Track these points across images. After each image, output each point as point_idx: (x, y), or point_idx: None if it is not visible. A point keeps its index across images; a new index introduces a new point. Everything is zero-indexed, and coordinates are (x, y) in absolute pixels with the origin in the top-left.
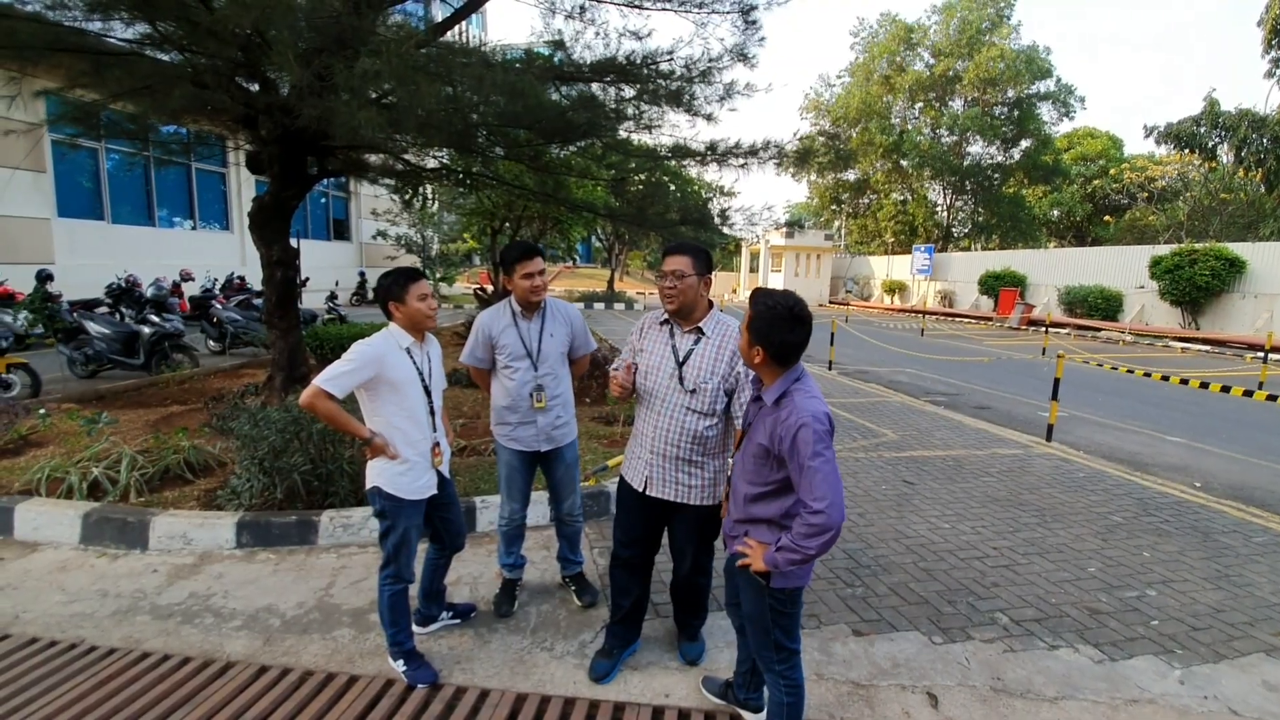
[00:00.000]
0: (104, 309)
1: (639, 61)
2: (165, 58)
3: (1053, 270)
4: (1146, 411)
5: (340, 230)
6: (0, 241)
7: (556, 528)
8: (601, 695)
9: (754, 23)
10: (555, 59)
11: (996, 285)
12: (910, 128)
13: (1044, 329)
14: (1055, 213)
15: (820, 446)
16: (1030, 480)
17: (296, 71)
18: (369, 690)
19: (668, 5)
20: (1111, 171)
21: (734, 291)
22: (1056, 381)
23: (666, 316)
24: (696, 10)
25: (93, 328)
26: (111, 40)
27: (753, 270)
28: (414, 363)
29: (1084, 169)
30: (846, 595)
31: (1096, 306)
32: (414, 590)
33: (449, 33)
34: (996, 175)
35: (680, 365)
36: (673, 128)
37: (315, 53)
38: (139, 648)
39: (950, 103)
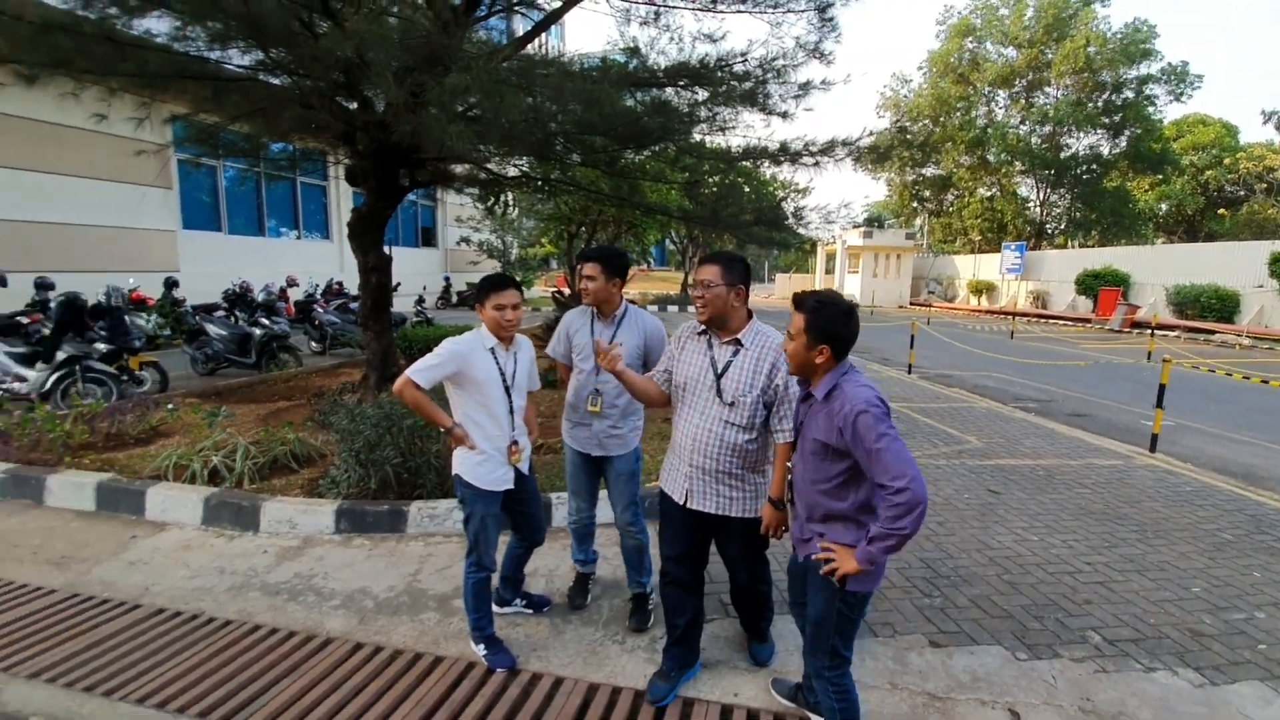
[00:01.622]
0: (220, 312)
1: (712, 65)
2: (276, 82)
3: (1160, 268)
4: (1264, 421)
5: (427, 237)
6: (133, 251)
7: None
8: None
9: (830, 20)
10: (630, 66)
11: (1095, 285)
12: (997, 120)
13: (1149, 331)
14: (1163, 206)
15: (883, 427)
16: (1130, 493)
17: (393, 90)
18: (451, 671)
19: (742, 7)
20: (1226, 161)
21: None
22: (1162, 388)
23: (703, 327)
24: (771, 10)
25: (212, 329)
26: (229, 68)
27: (828, 271)
28: (497, 363)
29: (1196, 159)
30: (924, 605)
31: (1210, 307)
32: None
33: (529, 45)
34: (1096, 167)
35: (719, 377)
36: (747, 128)
37: (408, 71)
38: (251, 620)
39: (1041, 92)
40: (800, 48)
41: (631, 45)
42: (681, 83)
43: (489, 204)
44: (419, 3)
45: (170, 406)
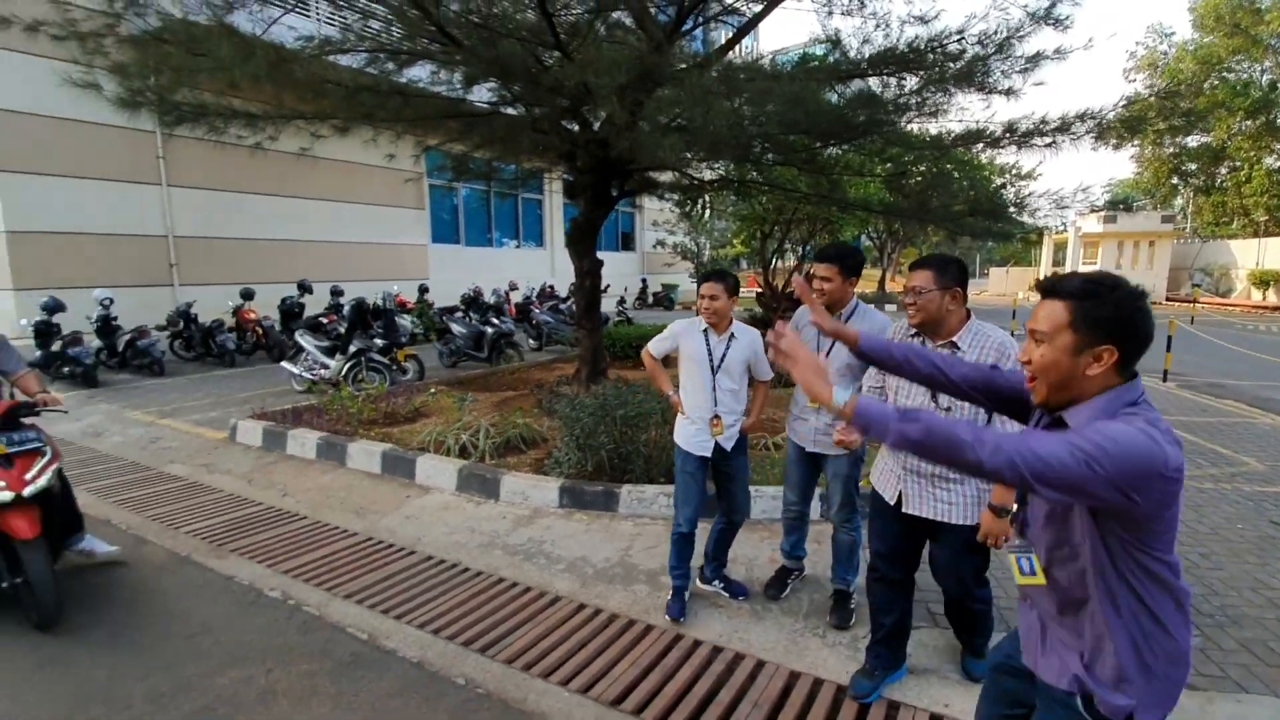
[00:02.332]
0: (459, 314)
1: (923, 47)
2: (512, 112)
3: None
4: None
5: (626, 241)
6: (396, 263)
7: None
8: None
9: None
10: (830, 59)
11: None
12: None
13: None
14: None
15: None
16: None
17: (617, 110)
18: (661, 640)
19: None
20: None
21: (1031, 290)
22: None
23: (914, 330)
24: None
25: (455, 328)
26: (478, 105)
27: (1056, 264)
28: (707, 345)
29: None
30: None
31: None
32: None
33: (730, 51)
34: None
35: None
36: (960, 111)
37: (624, 90)
38: (496, 574)
39: None
40: (1029, 16)
41: (832, 37)
42: (887, 71)
43: (687, 208)
44: (630, 26)
45: (432, 392)
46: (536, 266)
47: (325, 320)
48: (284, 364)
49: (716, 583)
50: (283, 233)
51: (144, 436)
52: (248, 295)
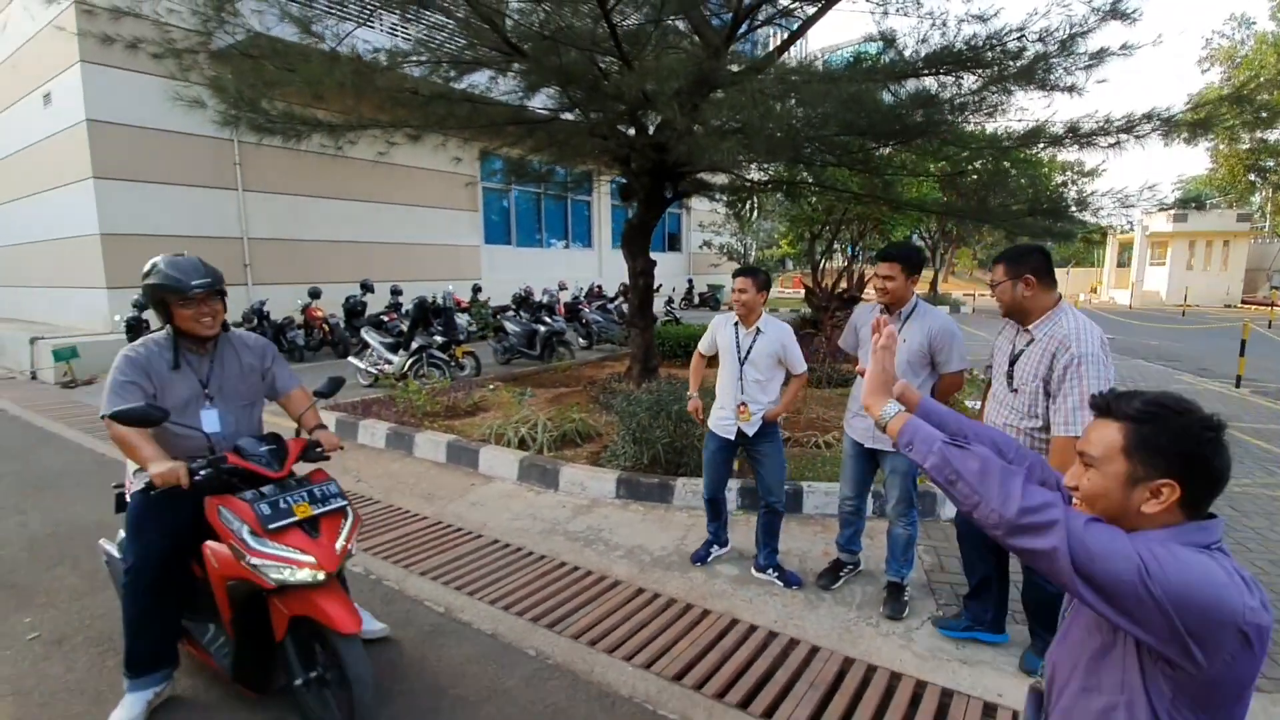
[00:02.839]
0: (511, 312)
1: (981, 45)
2: (570, 118)
3: None
4: None
5: (673, 242)
6: (452, 263)
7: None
8: (929, 677)
9: None
10: (885, 59)
11: None
12: None
13: None
14: None
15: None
16: None
17: (677, 116)
18: (719, 623)
19: None
20: None
21: (1093, 291)
22: None
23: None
24: None
25: (509, 326)
26: (538, 111)
27: (1121, 265)
28: (735, 337)
29: None
30: None
31: None
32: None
33: (785, 53)
34: None
35: (1011, 364)
36: (1019, 110)
37: (679, 94)
38: (558, 558)
39: None
40: (1094, 11)
41: (888, 36)
42: (945, 69)
43: (738, 209)
44: (686, 31)
45: (491, 387)
46: (584, 267)
47: (386, 318)
48: (350, 359)
49: (770, 571)
50: (346, 234)
51: None
52: (315, 294)
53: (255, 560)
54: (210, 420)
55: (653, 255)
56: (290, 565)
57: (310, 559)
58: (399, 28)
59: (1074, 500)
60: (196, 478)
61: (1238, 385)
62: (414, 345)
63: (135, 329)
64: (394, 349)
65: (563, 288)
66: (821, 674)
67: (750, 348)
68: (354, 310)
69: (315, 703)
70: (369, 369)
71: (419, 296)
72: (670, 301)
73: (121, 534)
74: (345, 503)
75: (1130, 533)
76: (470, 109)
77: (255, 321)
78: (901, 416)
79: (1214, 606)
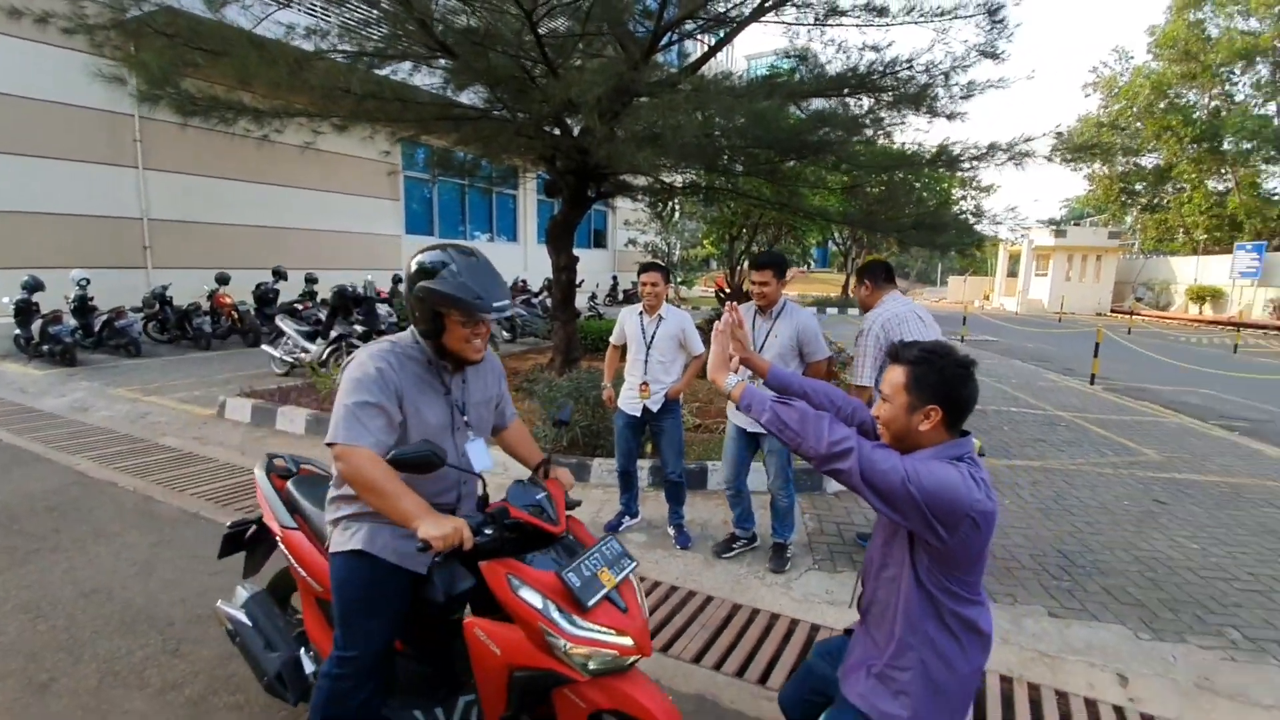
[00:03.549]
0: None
1: (879, 72)
2: (498, 115)
3: None
4: None
5: (599, 239)
6: (369, 253)
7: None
8: (803, 617)
9: (1001, 21)
10: (796, 75)
11: None
12: (1236, 102)
13: None
14: None
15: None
16: None
17: (597, 124)
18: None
19: (907, 18)
20: None
21: (986, 299)
22: None
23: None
24: (936, 19)
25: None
26: (467, 108)
27: (1011, 274)
28: (641, 324)
29: None
30: (1050, 585)
31: None
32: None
33: (701, 68)
34: None
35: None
36: (916, 131)
37: (601, 102)
38: None
39: None
40: (970, 50)
41: (800, 53)
42: (845, 90)
43: (659, 210)
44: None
45: None
46: (510, 261)
47: (301, 307)
48: (264, 347)
49: (671, 529)
50: (257, 219)
51: (131, 412)
52: (223, 280)
53: (574, 649)
54: (480, 456)
55: (577, 252)
56: (605, 650)
57: (627, 641)
58: (318, 8)
59: (879, 427)
60: (479, 537)
61: (1092, 382)
62: (333, 334)
63: (24, 312)
64: (311, 337)
65: None
66: (713, 617)
67: (655, 333)
68: (265, 298)
69: None
70: (284, 357)
71: (338, 285)
72: (594, 297)
73: (241, 591)
74: (635, 562)
75: (911, 450)
76: (401, 107)
77: (156, 307)
78: (741, 385)
79: (952, 500)
